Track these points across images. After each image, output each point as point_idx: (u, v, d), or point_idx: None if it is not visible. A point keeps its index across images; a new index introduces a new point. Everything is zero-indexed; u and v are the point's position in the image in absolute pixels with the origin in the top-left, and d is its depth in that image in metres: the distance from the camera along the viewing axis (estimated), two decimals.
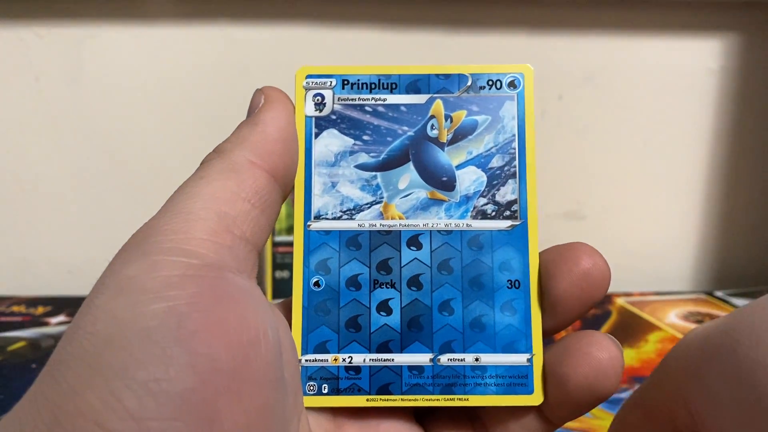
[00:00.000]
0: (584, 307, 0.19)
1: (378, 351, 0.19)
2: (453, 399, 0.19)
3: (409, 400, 0.19)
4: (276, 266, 0.47)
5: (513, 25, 0.52)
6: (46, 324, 0.43)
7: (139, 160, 0.53)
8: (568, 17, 0.52)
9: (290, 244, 0.46)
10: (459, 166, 0.20)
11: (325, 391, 0.19)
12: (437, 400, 0.19)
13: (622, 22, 0.52)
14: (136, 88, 0.52)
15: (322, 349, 0.19)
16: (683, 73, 0.53)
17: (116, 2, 0.50)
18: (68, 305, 0.47)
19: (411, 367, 0.19)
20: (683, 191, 0.56)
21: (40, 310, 0.46)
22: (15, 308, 0.47)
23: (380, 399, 0.19)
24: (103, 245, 0.54)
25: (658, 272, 0.56)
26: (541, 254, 0.20)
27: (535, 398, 0.19)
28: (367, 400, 0.19)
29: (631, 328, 0.43)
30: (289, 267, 0.47)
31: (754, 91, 0.54)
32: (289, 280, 0.46)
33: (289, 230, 0.48)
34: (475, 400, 0.19)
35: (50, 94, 0.51)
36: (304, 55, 0.51)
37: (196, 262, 0.15)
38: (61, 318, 0.45)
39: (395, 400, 0.19)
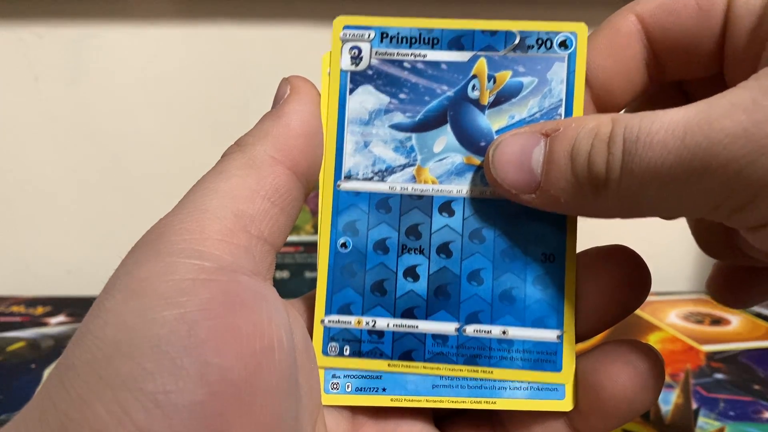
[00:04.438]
0: (622, 313, 0.18)
1: (402, 317, 0.19)
2: (477, 370, 0.19)
3: (432, 368, 0.19)
4: (275, 267, 0.47)
5: None
6: (46, 324, 0.43)
7: (139, 160, 0.53)
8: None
9: (289, 244, 0.46)
10: (499, 131, 0.19)
11: (347, 353, 0.19)
12: (460, 370, 0.19)
13: None
14: (136, 88, 0.51)
15: (345, 310, 0.19)
16: None
17: (116, 2, 0.50)
18: (68, 305, 0.47)
19: (435, 336, 0.19)
20: None
21: (40, 310, 0.46)
22: (14, 308, 0.46)
23: (402, 364, 0.19)
24: (102, 245, 0.54)
25: (658, 272, 0.56)
26: (579, 255, 0.19)
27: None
28: (389, 365, 0.19)
29: (631, 328, 0.43)
30: (288, 268, 0.46)
31: None
32: (289, 281, 0.46)
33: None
34: (499, 374, 0.19)
35: (49, 94, 0.51)
36: (304, 55, 0.51)
37: (209, 264, 0.15)
38: (60, 318, 0.44)
39: (417, 366, 0.19)
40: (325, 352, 0.19)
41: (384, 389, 0.19)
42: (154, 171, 0.53)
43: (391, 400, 0.19)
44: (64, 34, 0.50)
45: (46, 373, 0.36)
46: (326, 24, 0.51)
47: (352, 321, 0.19)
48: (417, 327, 0.19)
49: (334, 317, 0.19)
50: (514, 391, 0.19)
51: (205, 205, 0.16)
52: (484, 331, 0.19)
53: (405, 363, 0.19)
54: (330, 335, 0.19)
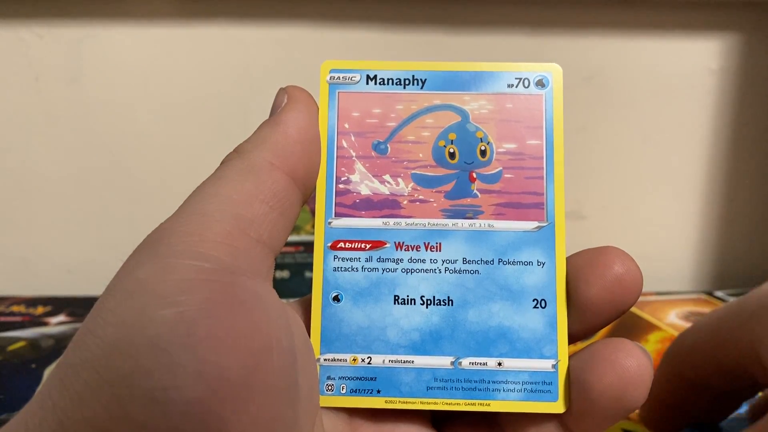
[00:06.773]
0: (615, 313, 0.18)
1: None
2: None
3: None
4: (275, 267, 0.47)
5: (513, 25, 0.52)
6: (46, 324, 0.43)
7: (139, 160, 0.53)
8: (568, 17, 0.52)
9: (289, 244, 0.46)
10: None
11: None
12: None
13: (622, 22, 0.52)
14: (136, 88, 0.51)
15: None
16: (683, 73, 0.53)
17: (116, 2, 0.50)
18: (68, 305, 0.47)
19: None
20: (683, 191, 0.56)
21: (40, 310, 0.46)
22: (15, 308, 0.46)
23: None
24: (103, 245, 0.54)
25: (658, 272, 0.56)
26: (569, 258, 0.19)
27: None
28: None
29: (630, 328, 0.43)
30: (288, 267, 0.47)
31: (754, 91, 0.54)
32: (289, 281, 0.46)
33: None
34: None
35: (50, 94, 0.51)
36: (304, 55, 0.51)
37: (208, 265, 0.15)
38: (60, 318, 0.45)
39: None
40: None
41: (379, 391, 0.19)
42: (154, 170, 0.53)
43: (386, 401, 0.19)
44: (64, 34, 0.50)
45: (46, 373, 0.36)
46: (327, 24, 0.51)
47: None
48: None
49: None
50: (508, 393, 0.19)
51: (204, 209, 0.16)
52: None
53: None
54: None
